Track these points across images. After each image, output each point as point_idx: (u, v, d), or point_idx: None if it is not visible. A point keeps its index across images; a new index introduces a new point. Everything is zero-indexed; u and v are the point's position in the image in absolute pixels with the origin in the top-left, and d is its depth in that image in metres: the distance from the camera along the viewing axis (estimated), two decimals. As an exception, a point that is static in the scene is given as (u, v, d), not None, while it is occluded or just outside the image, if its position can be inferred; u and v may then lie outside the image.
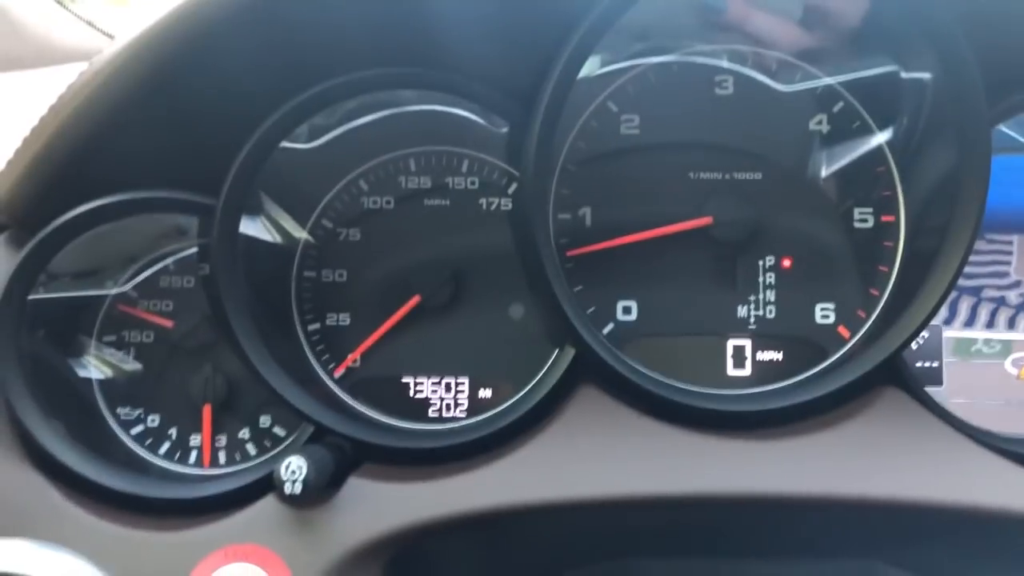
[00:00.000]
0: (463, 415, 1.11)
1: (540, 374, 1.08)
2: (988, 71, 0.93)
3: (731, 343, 1.08)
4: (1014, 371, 1.09)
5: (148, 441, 1.12)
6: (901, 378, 0.98)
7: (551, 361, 1.07)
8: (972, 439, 0.95)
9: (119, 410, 1.13)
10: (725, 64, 1.09)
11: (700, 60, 1.10)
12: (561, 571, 1.11)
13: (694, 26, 1.09)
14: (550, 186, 1.08)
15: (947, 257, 0.95)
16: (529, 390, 1.08)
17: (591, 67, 1.09)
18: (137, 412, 1.13)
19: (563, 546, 1.08)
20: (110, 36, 1.79)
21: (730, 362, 1.07)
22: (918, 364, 1.09)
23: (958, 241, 0.95)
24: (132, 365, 1.13)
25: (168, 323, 1.12)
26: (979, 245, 1.09)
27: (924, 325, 0.96)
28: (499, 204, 1.13)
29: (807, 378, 1.04)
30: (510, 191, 1.12)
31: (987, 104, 0.93)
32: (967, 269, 1.05)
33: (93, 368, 1.13)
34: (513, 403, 1.08)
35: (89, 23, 1.75)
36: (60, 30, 1.76)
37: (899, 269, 1.05)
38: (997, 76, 0.94)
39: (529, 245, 0.98)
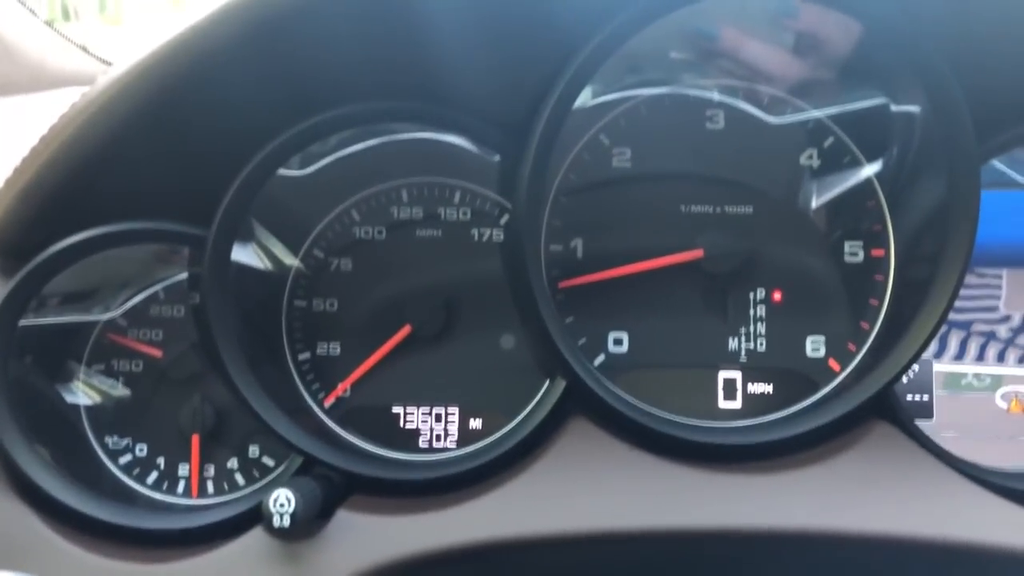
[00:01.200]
0: (453, 445, 1.11)
1: (531, 405, 1.08)
2: (978, 107, 0.93)
3: (722, 375, 1.08)
4: (1004, 405, 1.10)
5: (136, 471, 1.12)
6: (892, 412, 0.98)
7: (542, 392, 1.07)
8: (962, 474, 0.94)
9: (107, 439, 1.12)
10: (716, 97, 1.10)
11: (692, 93, 1.10)
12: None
13: (687, 58, 1.10)
14: (542, 218, 1.08)
15: (937, 292, 0.96)
16: (519, 422, 1.07)
17: (583, 98, 1.09)
18: (125, 441, 1.12)
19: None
20: (105, 61, 1.80)
21: (721, 394, 1.08)
22: (908, 397, 1.09)
23: (948, 276, 0.95)
24: (120, 394, 1.13)
25: (157, 352, 1.12)
26: (969, 279, 1.08)
27: (914, 360, 0.96)
28: (491, 235, 1.13)
29: (798, 411, 1.04)
30: (502, 222, 1.13)
31: (977, 141, 0.94)
32: (957, 303, 1.06)
33: (81, 395, 1.12)
34: (503, 435, 1.08)
35: (83, 48, 1.75)
36: (54, 54, 1.76)
37: (889, 303, 1.06)
38: (987, 112, 0.95)
39: (521, 277, 0.98)
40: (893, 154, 1.07)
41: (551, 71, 0.96)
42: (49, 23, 1.77)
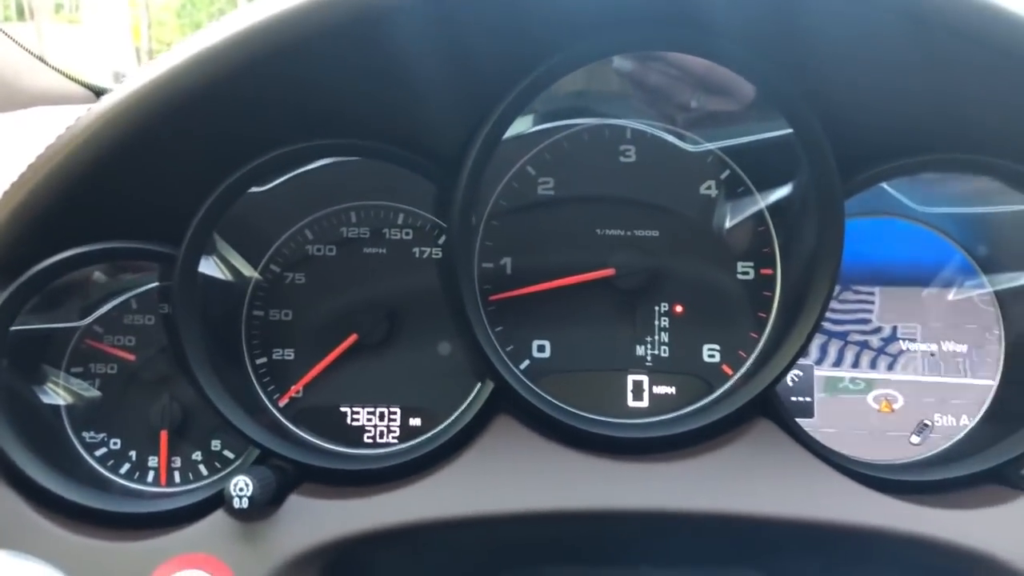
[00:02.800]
0: (395, 441, 1.21)
1: (464, 405, 1.19)
2: (843, 146, 1.05)
3: (631, 378, 1.20)
4: (875, 406, 1.24)
5: (110, 462, 1.21)
6: (774, 411, 1.11)
7: (474, 393, 1.18)
8: (829, 464, 1.08)
9: (84, 434, 1.20)
10: (632, 127, 1.22)
11: (613, 123, 1.22)
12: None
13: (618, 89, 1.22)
14: (475, 239, 1.20)
15: (809, 309, 1.09)
16: (453, 419, 1.19)
17: (523, 125, 1.22)
18: (100, 436, 1.21)
19: (482, 555, 1.20)
20: (64, 73, 1.87)
21: (630, 395, 1.20)
22: (793, 399, 1.23)
23: (817, 296, 1.08)
24: (96, 393, 1.21)
25: (131, 356, 1.21)
26: (846, 295, 1.24)
27: (790, 366, 1.09)
28: (430, 253, 1.24)
29: (694, 410, 1.17)
30: (440, 242, 1.23)
31: (842, 177, 1.06)
32: (835, 316, 1.22)
33: (61, 396, 1.21)
34: (438, 431, 1.19)
35: (61, 72, 1.84)
36: (29, 74, 1.84)
37: (775, 316, 1.19)
38: (852, 151, 1.06)
39: (455, 291, 1.10)
40: (783, 185, 1.19)
41: (481, 112, 1.07)
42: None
